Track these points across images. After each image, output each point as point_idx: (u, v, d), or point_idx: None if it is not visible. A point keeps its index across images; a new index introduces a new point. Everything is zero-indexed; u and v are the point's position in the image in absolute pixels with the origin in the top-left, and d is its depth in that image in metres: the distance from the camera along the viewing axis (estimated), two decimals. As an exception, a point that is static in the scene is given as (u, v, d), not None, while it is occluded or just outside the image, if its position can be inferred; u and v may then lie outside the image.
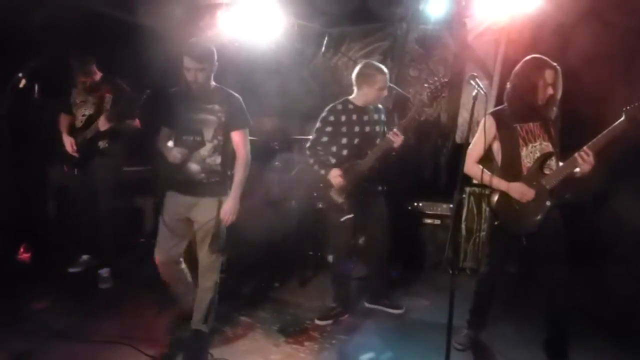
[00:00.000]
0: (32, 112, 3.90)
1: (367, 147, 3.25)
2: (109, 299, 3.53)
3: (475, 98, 2.37)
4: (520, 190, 2.67)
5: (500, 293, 3.04)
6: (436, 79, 3.15)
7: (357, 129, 3.27)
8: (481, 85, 2.37)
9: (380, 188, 3.41)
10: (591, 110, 2.96)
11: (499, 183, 2.75)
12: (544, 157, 2.67)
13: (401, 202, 4.43)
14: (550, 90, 2.60)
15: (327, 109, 3.33)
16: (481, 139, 2.76)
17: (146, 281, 3.83)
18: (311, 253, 4.42)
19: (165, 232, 2.80)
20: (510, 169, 2.74)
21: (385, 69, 3.26)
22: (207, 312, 2.85)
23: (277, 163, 4.30)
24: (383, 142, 3.18)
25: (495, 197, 2.78)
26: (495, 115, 2.77)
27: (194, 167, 2.74)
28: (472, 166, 2.79)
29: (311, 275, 4.23)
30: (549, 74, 2.58)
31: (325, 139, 3.31)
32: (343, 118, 3.27)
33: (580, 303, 3.05)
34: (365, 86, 3.25)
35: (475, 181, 2.85)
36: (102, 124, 3.72)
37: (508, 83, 2.76)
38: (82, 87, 3.88)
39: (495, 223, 2.80)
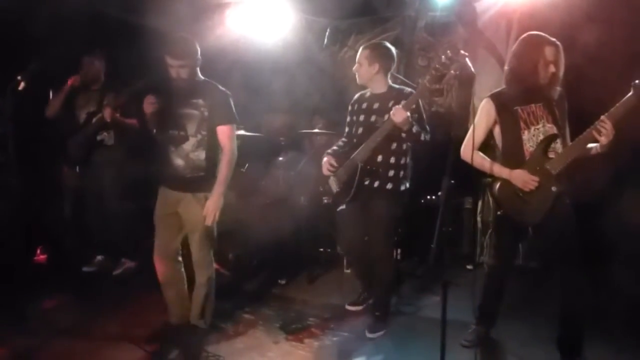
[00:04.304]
0: (42, 115, 3.99)
1: (368, 137, 2.92)
2: (115, 298, 3.55)
3: (458, 78, 2.23)
4: (522, 178, 2.48)
5: (515, 288, 2.86)
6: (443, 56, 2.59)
7: (361, 117, 3.03)
8: (470, 64, 2.23)
9: (389, 186, 2.98)
10: (606, 93, 2.75)
11: (500, 170, 2.58)
12: (548, 140, 2.49)
13: (414, 197, 4.27)
14: (552, 68, 2.42)
15: None
16: (480, 124, 2.61)
17: (154, 282, 3.88)
18: (321, 250, 4.33)
19: (160, 228, 2.83)
20: (513, 155, 2.57)
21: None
22: (202, 307, 2.83)
23: (280, 158, 4.23)
24: (385, 124, 2.79)
25: (497, 185, 2.60)
26: (495, 98, 2.61)
27: (178, 161, 2.74)
28: (468, 152, 2.60)
29: (320, 272, 4.15)
30: (549, 51, 2.41)
31: (346, 129, 3.21)
32: (354, 107, 3.14)
33: (597, 299, 2.83)
34: None
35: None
36: (108, 115, 3.70)
37: (506, 65, 2.59)
38: (88, 90, 3.96)
39: (499, 213, 2.64)
